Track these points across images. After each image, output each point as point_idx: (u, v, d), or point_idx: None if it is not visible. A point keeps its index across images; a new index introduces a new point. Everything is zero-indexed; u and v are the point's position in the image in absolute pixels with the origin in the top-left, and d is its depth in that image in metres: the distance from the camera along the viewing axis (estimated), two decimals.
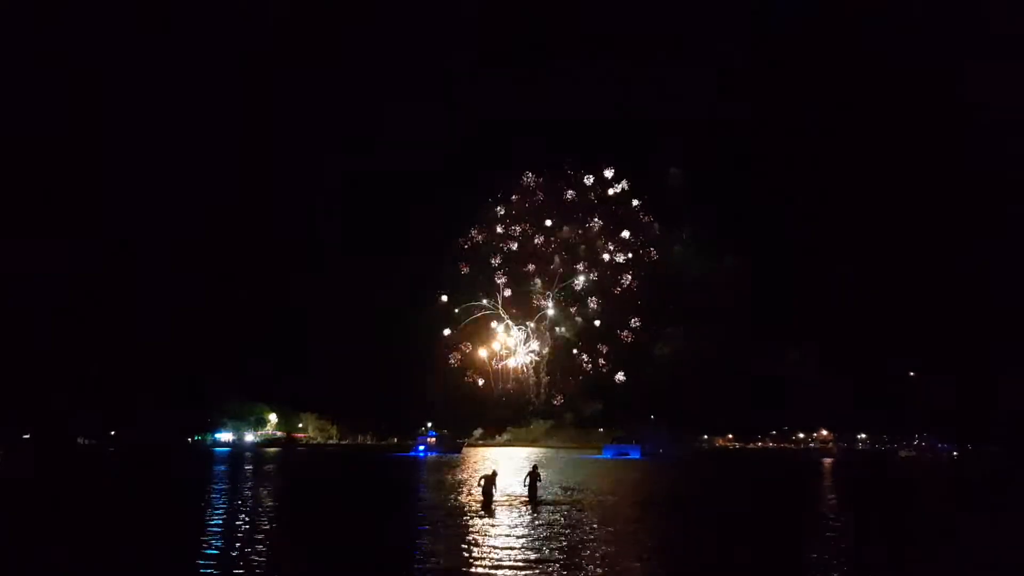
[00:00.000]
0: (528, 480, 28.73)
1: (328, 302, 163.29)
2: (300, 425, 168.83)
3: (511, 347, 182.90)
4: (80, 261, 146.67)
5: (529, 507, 26.36)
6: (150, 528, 21.97)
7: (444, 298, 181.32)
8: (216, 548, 17.52)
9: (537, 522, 22.49)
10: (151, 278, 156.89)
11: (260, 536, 19.73)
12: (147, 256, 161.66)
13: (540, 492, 29.34)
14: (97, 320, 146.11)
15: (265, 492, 33.66)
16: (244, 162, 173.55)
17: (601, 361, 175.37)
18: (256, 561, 15.87)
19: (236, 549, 17.35)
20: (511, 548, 17.51)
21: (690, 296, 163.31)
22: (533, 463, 30.41)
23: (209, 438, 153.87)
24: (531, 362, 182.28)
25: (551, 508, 26.25)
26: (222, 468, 59.62)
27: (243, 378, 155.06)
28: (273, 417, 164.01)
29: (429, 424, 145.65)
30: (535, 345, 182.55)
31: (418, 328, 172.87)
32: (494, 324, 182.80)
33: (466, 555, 16.65)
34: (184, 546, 18.25)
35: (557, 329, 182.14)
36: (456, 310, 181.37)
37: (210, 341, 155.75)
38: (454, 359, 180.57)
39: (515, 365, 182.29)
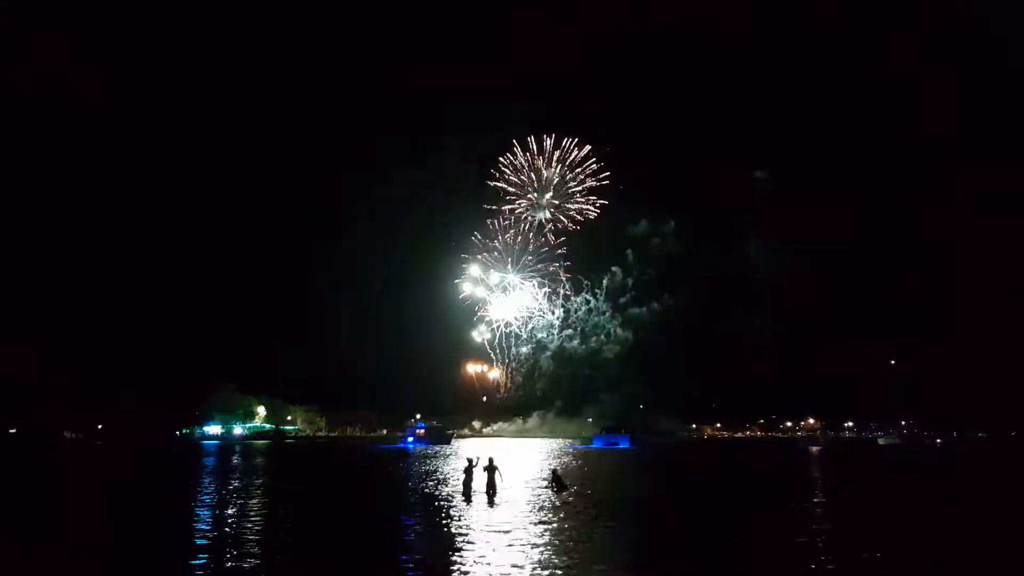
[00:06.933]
0: (487, 474, 28.54)
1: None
2: (289, 418, 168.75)
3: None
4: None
5: (488, 501, 26.32)
6: (135, 528, 21.48)
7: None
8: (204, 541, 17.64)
9: (480, 518, 22.37)
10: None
11: (243, 535, 19.38)
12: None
13: (499, 484, 29.16)
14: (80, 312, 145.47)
15: (249, 488, 33.43)
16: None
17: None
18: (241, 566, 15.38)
19: (220, 549, 17.04)
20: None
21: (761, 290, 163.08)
22: (489, 456, 30.15)
23: (197, 431, 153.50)
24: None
25: (504, 502, 26.17)
26: (211, 461, 59.56)
27: (232, 371, 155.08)
28: (262, 410, 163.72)
29: (418, 416, 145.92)
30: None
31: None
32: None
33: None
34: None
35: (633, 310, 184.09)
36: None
37: (198, 335, 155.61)
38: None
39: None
